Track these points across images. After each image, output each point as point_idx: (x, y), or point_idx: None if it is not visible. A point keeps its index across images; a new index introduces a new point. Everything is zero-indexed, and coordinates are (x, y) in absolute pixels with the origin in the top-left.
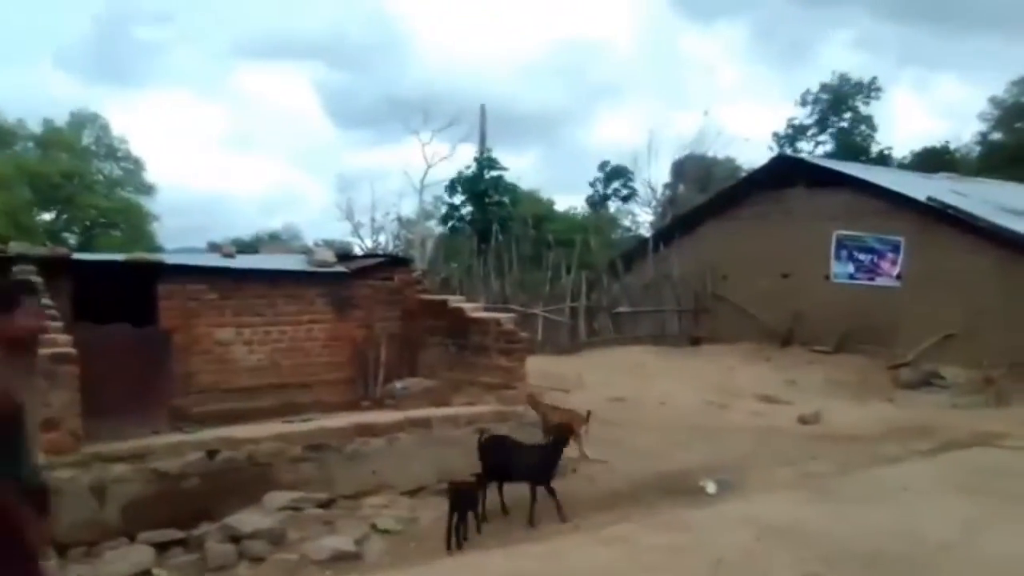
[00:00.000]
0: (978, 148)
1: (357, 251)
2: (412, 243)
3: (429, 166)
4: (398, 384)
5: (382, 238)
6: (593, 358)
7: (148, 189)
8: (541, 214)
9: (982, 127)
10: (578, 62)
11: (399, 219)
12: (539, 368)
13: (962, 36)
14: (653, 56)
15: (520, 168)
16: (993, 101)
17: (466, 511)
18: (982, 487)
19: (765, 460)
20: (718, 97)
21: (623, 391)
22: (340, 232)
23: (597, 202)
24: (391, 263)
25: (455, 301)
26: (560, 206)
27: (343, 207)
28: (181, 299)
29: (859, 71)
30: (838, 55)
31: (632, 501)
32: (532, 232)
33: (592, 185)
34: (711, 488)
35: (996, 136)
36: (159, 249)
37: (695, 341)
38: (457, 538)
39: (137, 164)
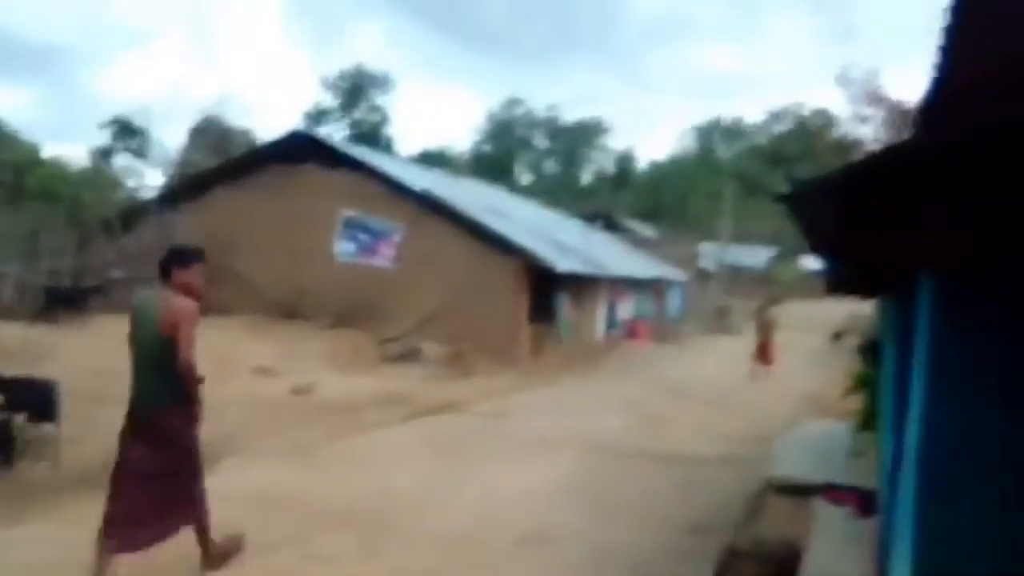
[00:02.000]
0: (472, 153)
1: None
2: None
3: None
4: None
5: None
6: (77, 326)
7: None
8: (24, 159)
9: (477, 136)
10: None
11: None
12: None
13: (480, 49)
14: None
15: (16, 106)
16: (488, 115)
17: None
18: (445, 447)
19: (259, 431)
20: (248, 65)
21: (104, 363)
22: None
23: (101, 156)
24: None
25: None
26: (56, 152)
27: None
28: None
29: (382, 64)
30: (368, 44)
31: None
32: (11, 179)
33: (101, 139)
34: None
35: (486, 147)
36: None
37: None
38: None
39: None
